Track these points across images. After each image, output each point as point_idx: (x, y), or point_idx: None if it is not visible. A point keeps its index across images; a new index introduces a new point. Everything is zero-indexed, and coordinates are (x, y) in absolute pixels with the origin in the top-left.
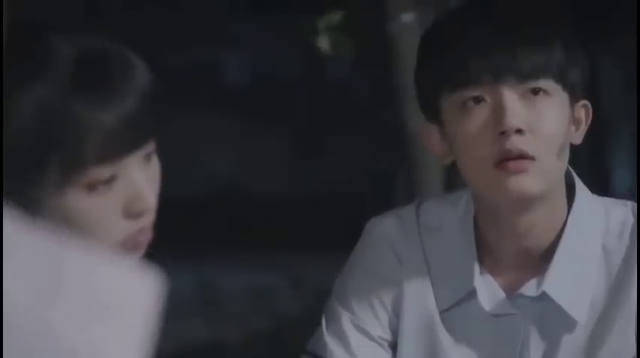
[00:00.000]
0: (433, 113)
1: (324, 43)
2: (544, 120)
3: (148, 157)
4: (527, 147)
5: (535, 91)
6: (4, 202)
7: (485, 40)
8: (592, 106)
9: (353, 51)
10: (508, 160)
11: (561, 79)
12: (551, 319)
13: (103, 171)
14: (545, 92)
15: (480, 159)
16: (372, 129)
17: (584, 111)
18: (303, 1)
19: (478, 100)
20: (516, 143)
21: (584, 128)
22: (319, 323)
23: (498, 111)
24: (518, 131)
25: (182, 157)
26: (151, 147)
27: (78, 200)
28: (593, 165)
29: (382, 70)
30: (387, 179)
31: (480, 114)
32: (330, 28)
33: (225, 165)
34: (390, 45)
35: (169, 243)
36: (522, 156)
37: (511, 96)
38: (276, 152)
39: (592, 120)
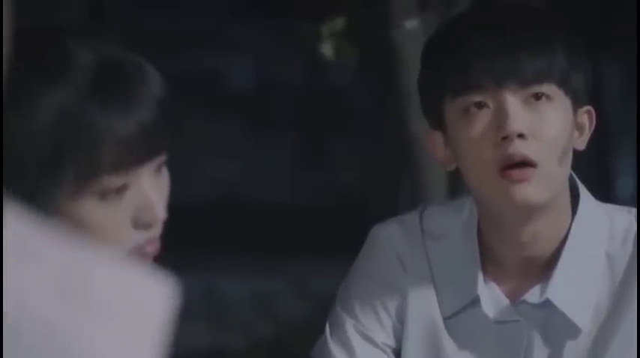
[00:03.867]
0: (436, 119)
1: (326, 49)
2: (546, 124)
3: (158, 169)
4: (530, 151)
5: (537, 96)
6: (13, 205)
7: (488, 46)
8: (596, 112)
9: (356, 57)
10: (511, 167)
11: (564, 84)
12: (555, 326)
13: (115, 180)
14: (548, 97)
15: (483, 165)
16: (376, 135)
17: (587, 117)
18: (306, 6)
19: (480, 106)
20: (519, 148)
21: (587, 134)
22: (322, 330)
23: (500, 116)
24: (521, 136)
25: (183, 163)
26: (162, 158)
27: (89, 208)
28: (597, 172)
29: (385, 76)
30: (390, 185)
31: (482, 120)
32: (332, 34)
33: (226, 170)
34: (393, 51)
35: (171, 250)
36: (525, 162)
37: (513, 101)
38: (278, 157)
39: (596, 126)
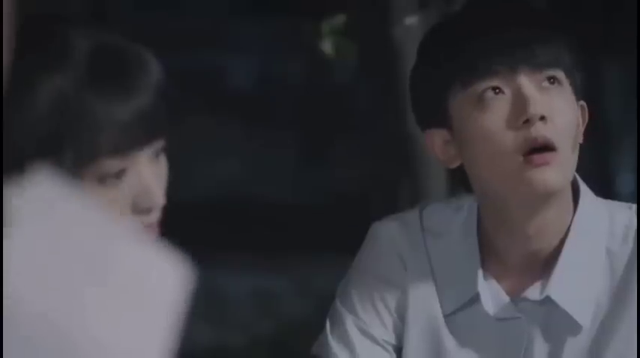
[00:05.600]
0: (437, 115)
1: (326, 47)
2: (559, 109)
3: (157, 155)
4: (551, 134)
5: (551, 80)
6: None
7: (498, 33)
8: (598, 110)
9: (356, 54)
10: (533, 152)
11: (569, 75)
12: (555, 323)
13: (113, 164)
14: (560, 82)
15: (502, 152)
16: (376, 133)
17: (580, 112)
18: (306, 4)
19: (496, 92)
20: (541, 131)
21: (581, 129)
22: (323, 328)
23: (519, 101)
24: (542, 118)
25: (184, 161)
26: (160, 144)
27: (88, 193)
28: (598, 169)
29: (386, 73)
30: (390, 183)
31: (499, 107)
32: (332, 32)
33: (226, 169)
34: (393, 48)
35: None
36: (547, 145)
37: (529, 85)
38: (279, 156)
39: (596, 124)
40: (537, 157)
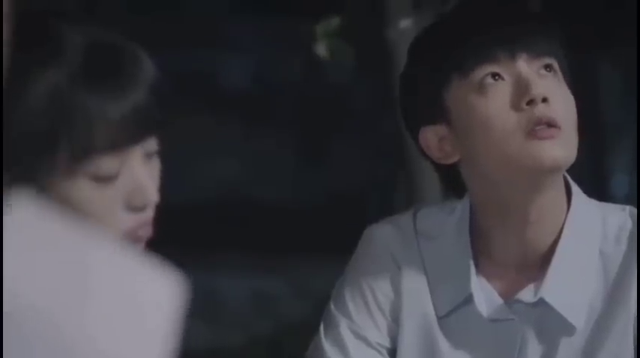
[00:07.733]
0: (434, 112)
1: (321, 49)
2: (559, 94)
3: (150, 155)
4: (554, 115)
5: (547, 68)
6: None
7: (495, 23)
8: (593, 111)
9: (351, 57)
10: (537, 130)
11: (563, 71)
12: (549, 324)
13: (107, 161)
14: (555, 72)
15: (506, 136)
16: (374, 135)
17: None
18: (305, 4)
19: (495, 78)
20: (544, 111)
21: None
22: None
23: (521, 85)
24: (544, 100)
25: (183, 162)
26: (154, 144)
27: (82, 190)
28: (592, 170)
29: (381, 75)
30: (388, 184)
31: (499, 91)
32: (327, 34)
33: (225, 169)
34: (388, 50)
35: (171, 248)
36: (550, 124)
37: (529, 70)
38: (278, 156)
39: (591, 125)
40: (541, 130)
